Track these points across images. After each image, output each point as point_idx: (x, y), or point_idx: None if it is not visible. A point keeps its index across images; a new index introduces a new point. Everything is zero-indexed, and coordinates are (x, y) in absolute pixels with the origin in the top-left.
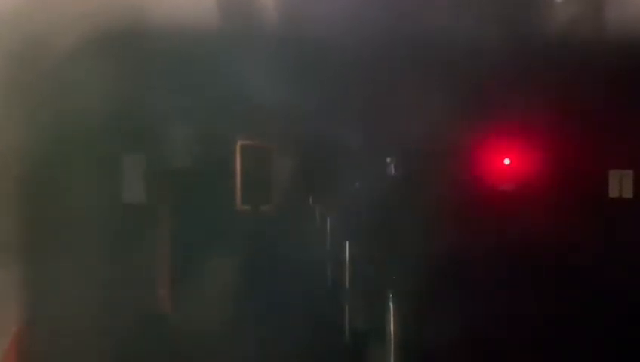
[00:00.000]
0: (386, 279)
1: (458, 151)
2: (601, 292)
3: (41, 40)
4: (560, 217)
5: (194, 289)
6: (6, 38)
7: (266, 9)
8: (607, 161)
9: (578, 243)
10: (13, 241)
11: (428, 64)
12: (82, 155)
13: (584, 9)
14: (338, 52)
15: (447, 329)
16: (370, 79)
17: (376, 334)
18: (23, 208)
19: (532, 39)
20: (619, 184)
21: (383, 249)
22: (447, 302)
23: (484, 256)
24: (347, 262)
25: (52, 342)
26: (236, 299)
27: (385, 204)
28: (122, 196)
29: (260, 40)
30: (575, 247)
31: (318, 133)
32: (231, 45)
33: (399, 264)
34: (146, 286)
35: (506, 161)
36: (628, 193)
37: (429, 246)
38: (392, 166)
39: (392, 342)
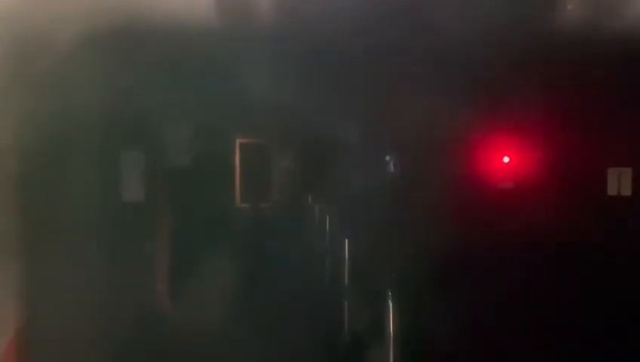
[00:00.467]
0: (385, 277)
1: (457, 149)
2: (601, 291)
3: (40, 38)
4: (559, 215)
5: (193, 286)
6: (4, 36)
7: (265, 6)
8: (606, 159)
9: (577, 241)
10: (11, 240)
11: (428, 61)
12: (81, 154)
13: (583, 7)
14: (337, 49)
15: (447, 327)
16: (368, 77)
17: (376, 332)
18: (23, 207)
19: (531, 36)
20: (617, 182)
21: (383, 247)
22: (447, 300)
23: (483, 254)
24: (346, 260)
25: (51, 341)
26: (235, 297)
27: (384, 201)
28: (122, 194)
29: (259, 37)
30: (574, 245)
31: (318, 130)
32: (230, 42)
33: (398, 262)
34: (146, 284)
35: (505, 159)
36: (626, 191)
37: (428, 245)
38: (391, 164)
39: (392, 340)
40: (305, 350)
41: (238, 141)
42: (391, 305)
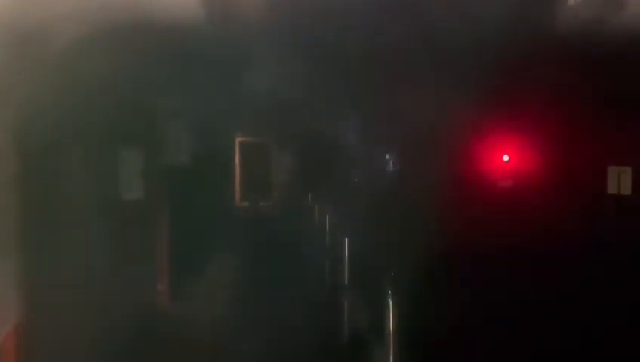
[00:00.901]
0: (385, 276)
1: (457, 148)
2: (601, 290)
3: (39, 36)
4: (558, 214)
5: (193, 285)
6: (3, 33)
7: (266, 4)
8: (606, 158)
9: (576, 239)
10: (11, 238)
11: (427, 60)
12: (81, 151)
13: (584, 5)
14: (337, 48)
15: (447, 326)
16: (368, 76)
17: (376, 331)
18: (22, 205)
19: (531, 36)
20: (617, 181)
21: (383, 246)
22: (446, 299)
23: (483, 253)
24: (346, 259)
25: (49, 340)
26: (235, 296)
27: (384, 200)
28: (121, 193)
29: (260, 36)
30: (573, 244)
31: (318, 129)
32: (230, 41)
33: (398, 261)
34: (145, 282)
35: (505, 158)
36: (626, 190)
37: (428, 243)
38: (391, 162)
39: (392, 338)
40: (305, 349)
41: (238, 140)
42: (391, 304)
